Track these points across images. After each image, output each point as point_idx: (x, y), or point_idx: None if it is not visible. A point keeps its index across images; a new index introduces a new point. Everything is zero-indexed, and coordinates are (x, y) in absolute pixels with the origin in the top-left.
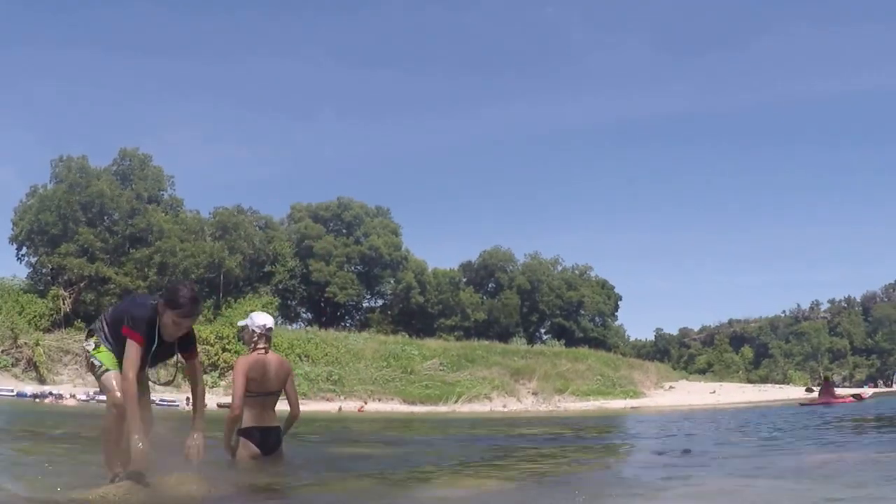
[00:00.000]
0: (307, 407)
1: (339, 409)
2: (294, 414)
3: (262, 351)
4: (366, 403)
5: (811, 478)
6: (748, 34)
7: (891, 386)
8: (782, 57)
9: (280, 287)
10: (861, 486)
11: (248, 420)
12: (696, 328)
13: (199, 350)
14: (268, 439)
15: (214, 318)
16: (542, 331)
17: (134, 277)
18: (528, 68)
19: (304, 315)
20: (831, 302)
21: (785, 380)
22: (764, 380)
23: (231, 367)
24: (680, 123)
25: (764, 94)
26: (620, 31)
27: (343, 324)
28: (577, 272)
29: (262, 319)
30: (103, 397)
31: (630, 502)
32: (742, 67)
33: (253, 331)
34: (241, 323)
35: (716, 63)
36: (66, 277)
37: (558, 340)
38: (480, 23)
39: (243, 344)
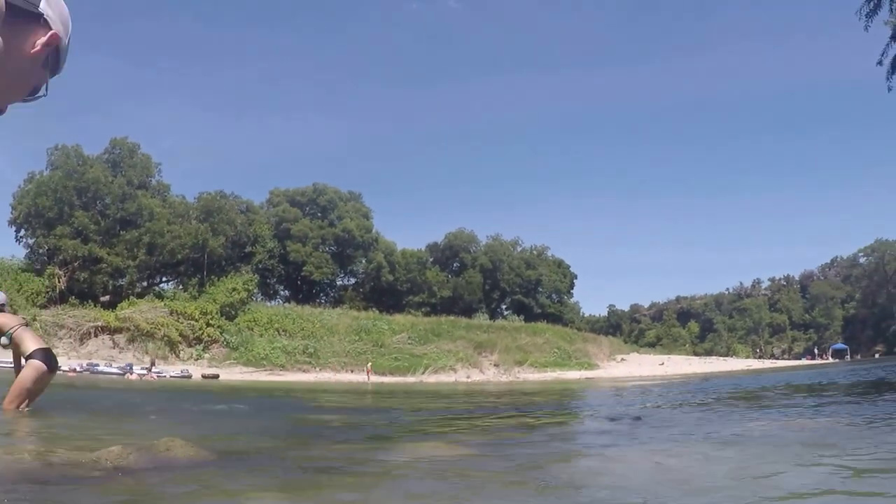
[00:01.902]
0: (285, 378)
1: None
2: None
3: None
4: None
5: (749, 441)
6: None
7: (826, 358)
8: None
9: (260, 266)
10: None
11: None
12: (646, 305)
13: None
14: None
15: (199, 295)
16: (503, 307)
17: (124, 257)
18: (489, 57)
19: (283, 292)
20: (772, 280)
21: (728, 352)
22: (709, 352)
23: (214, 341)
24: (634, 110)
25: (718, 86)
26: (584, 16)
27: (318, 300)
28: (535, 252)
29: None
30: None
31: (585, 462)
32: (706, 53)
33: None
34: None
35: (676, 48)
36: (61, 257)
37: (518, 316)
38: (445, 14)
39: None
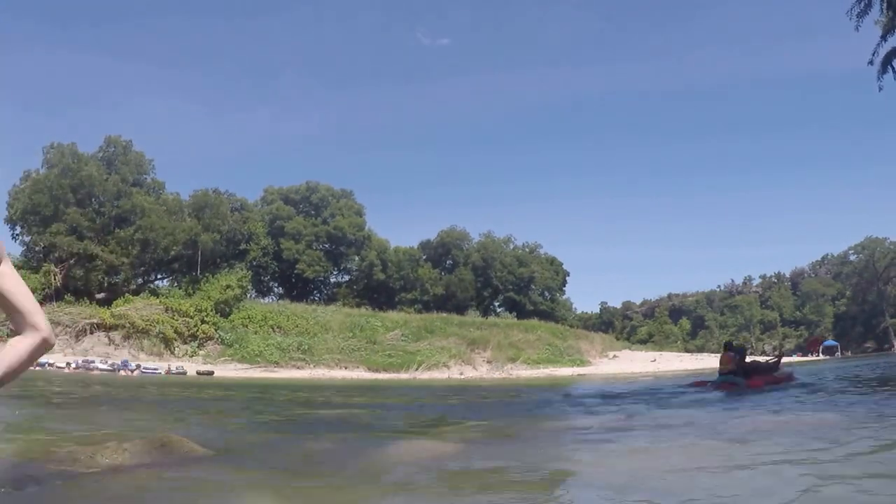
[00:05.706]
0: (280, 374)
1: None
2: None
3: None
4: None
5: (737, 438)
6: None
7: (817, 355)
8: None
9: (254, 263)
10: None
11: None
12: (638, 301)
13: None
14: None
15: (194, 292)
16: (496, 304)
17: (118, 255)
18: (481, 54)
19: (276, 290)
20: (763, 277)
21: (720, 349)
22: (700, 349)
23: (209, 338)
24: (626, 107)
25: (710, 82)
26: (576, 12)
27: (312, 297)
28: (527, 250)
29: None
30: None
31: (576, 457)
32: (694, 49)
33: None
34: None
35: (665, 44)
36: (56, 255)
37: (511, 313)
38: (434, 8)
39: None
